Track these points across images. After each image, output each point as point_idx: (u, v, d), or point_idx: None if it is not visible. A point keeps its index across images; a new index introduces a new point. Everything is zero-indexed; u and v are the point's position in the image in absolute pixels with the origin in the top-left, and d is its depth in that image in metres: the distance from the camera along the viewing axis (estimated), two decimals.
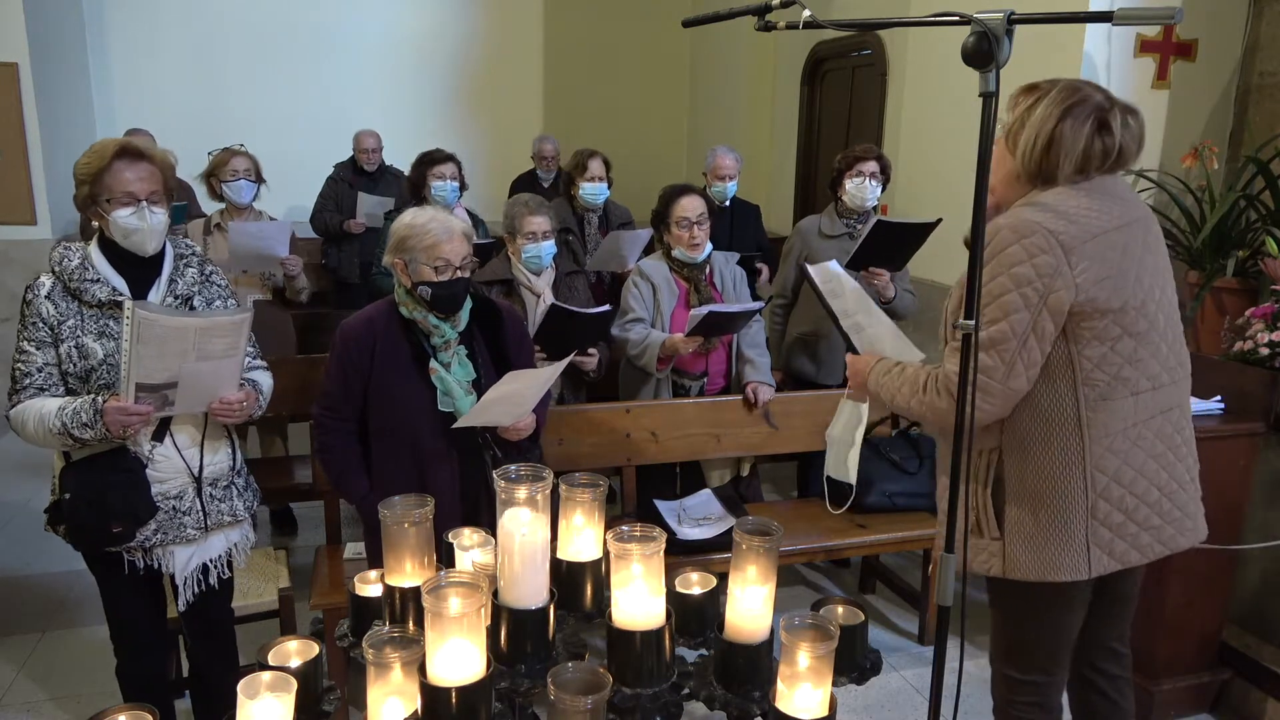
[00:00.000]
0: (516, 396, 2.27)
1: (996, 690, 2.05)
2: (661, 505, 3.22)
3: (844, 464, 2.14)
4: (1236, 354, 2.93)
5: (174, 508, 2.14)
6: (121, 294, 2.07)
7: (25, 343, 2.05)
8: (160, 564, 2.17)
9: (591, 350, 3.23)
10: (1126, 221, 1.81)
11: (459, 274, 2.31)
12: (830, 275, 2.22)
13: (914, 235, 3.49)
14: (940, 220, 3.52)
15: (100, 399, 1.98)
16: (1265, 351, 2.84)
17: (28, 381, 2.04)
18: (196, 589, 2.23)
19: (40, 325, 2.04)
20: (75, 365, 2.05)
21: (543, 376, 2.31)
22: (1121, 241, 1.79)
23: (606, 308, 3.10)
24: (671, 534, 2.92)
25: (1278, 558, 2.91)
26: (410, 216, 2.34)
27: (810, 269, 2.23)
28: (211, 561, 2.25)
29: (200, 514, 2.18)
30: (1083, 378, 1.79)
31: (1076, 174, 1.80)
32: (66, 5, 6.05)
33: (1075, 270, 1.73)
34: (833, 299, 2.17)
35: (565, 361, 2.41)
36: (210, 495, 2.20)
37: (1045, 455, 1.82)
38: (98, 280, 2.06)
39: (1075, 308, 1.75)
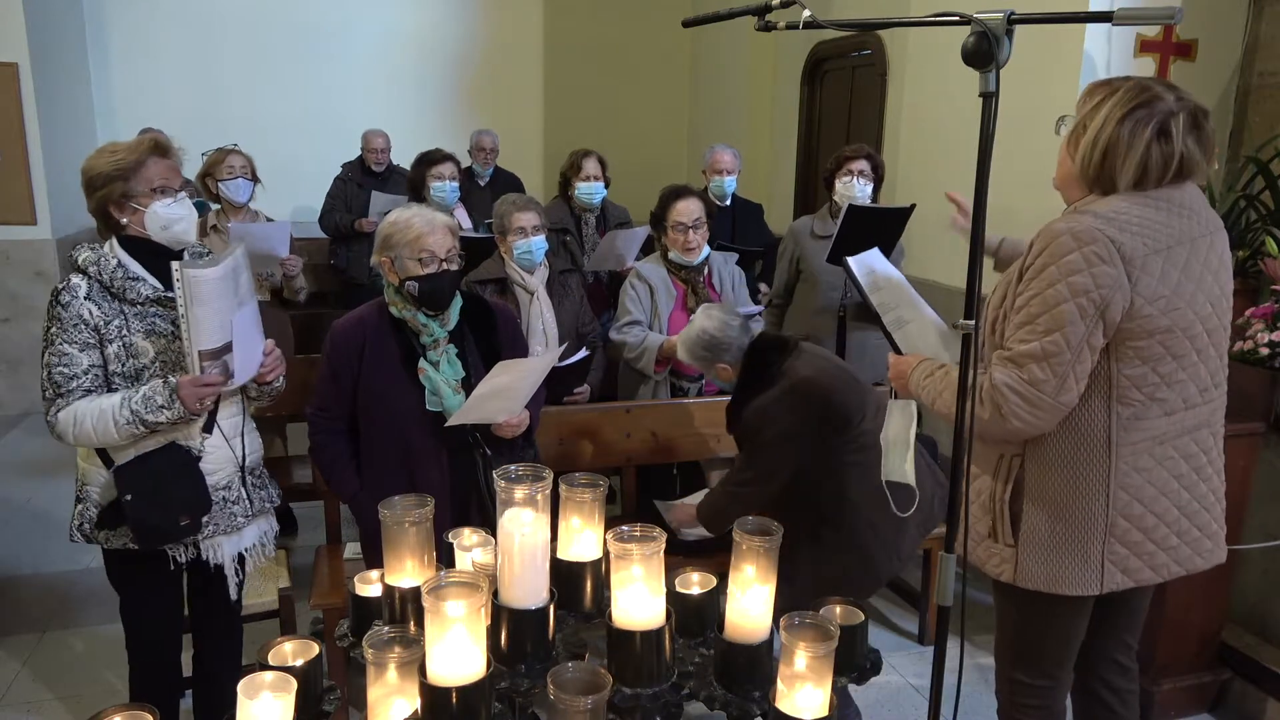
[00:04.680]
0: (509, 391, 2.27)
1: (1002, 693, 2.05)
2: (661, 506, 3.22)
3: (902, 467, 2.10)
4: (1236, 354, 2.93)
5: (224, 498, 2.18)
6: (163, 290, 2.07)
7: (66, 345, 2.02)
8: (208, 556, 2.19)
9: (578, 390, 3.27)
10: (1192, 238, 1.73)
11: (445, 266, 2.31)
12: (870, 267, 2.15)
13: (890, 222, 3.46)
14: (914, 206, 3.51)
15: (173, 379, 2.00)
16: (1265, 351, 2.84)
17: (74, 384, 2.02)
18: (235, 579, 2.26)
19: (82, 328, 2.02)
20: (124, 365, 2.05)
21: (535, 368, 2.32)
22: (1184, 259, 1.72)
23: (583, 354, 3.09)
24: (672, 534, 2.92)
25: (1278, 558, 2.91)
26: (394, 215, 2.37)
27: (850, 261, 2.15)
28: (247, 550, 2.27)
29: (246, 502, 2.22)
30: (1118, 395, 1.74)
31: (1137, 183, 1.72)
32: (66, 5, 6.05)
33: (1134, 283, 1.66)
34: (874, 293, 2.10)
35: (557, 352, 2.43)
36: (253, 484, 2.26)
37: (1070, 468, 1.78)
38: (138, 278, 2.07)
39: (1124, 324, 1.69)
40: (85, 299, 2.03)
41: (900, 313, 2.08)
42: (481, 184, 5.45)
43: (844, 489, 2.49)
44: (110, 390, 2.05)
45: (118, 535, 2.11)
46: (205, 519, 2.13)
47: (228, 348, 2.00)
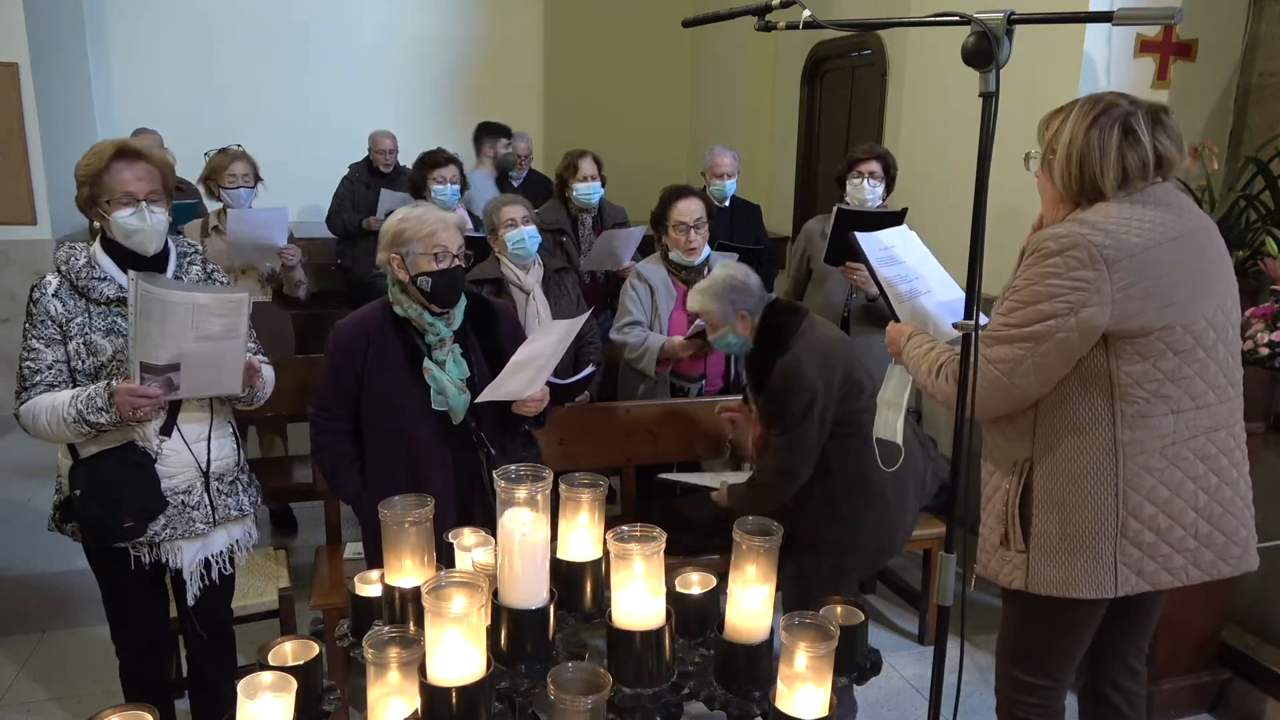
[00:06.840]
0: (538, 359, 2.30)
1: (1001, 690, 2.04)
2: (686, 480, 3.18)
3: (892, 426, 2.14)
4: None
5: (183, 502, 2.16)
6: (127, 291, 2.07)
7: (34, 341, 2.07)
8: (167, 559, 2.18)
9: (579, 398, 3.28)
10: (1183, 234, 1.74)
11: (456, 262, 2.33)
12: (895, 239, 2.17)
13: (883, 225, 3.43)
14: (906, 209, 3.49)
15: (114, 382, 2.00)
16: (1265, 352, 2.84)
17: (38, 379, 2.06)
18: (200, 584, 2.24)
19: (49, 323, 2.06)
20: (84, 362, 2.07)
21: (564, 331, 2.35)
22: (1175, 256, 1.73)
23: (589, 370, 3.09)
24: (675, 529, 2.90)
25: (1278, 558, 2.91)
26: (402, 212, 2.38)
27: (860, 236, 2.17)
28: (214, 557, 2.26)
29: (209, 508, 2.20)
30: (1120, 393, 1.74)
31: (1121, 187, 1.74)
32: (66, 5, 6.05)
33: (1116, 286, 1.68)
34: (882, 267, 2.11)
35: (584, 317, 2.51)
36: (217, 490, 2.23)
37: (1077, 468, 1.78)
38: (104, 278, 2.08)
39: (1115, 325, 1.70)
40: (53, 295, 2.07)
41: (911, 286, 2.11)
42: (515, 185, 5.51)
43: (857, 457, 2.55)
44: (76, 387, 2.07)
45: (77, 530, 2.13)
46: (160, 522, 2.12)
47: (174, 368, 1.99)
